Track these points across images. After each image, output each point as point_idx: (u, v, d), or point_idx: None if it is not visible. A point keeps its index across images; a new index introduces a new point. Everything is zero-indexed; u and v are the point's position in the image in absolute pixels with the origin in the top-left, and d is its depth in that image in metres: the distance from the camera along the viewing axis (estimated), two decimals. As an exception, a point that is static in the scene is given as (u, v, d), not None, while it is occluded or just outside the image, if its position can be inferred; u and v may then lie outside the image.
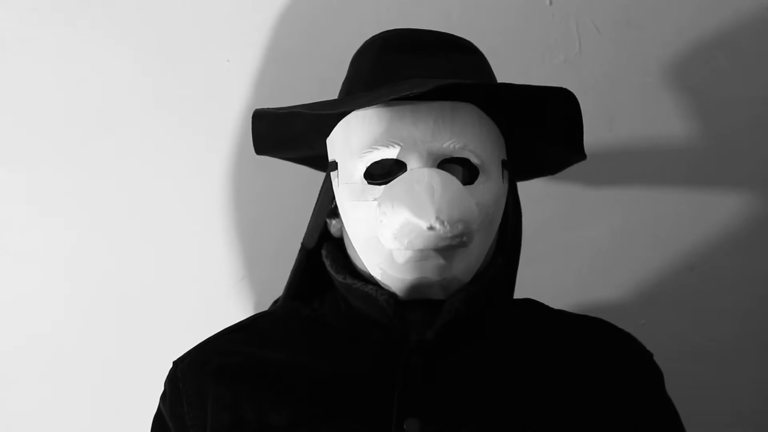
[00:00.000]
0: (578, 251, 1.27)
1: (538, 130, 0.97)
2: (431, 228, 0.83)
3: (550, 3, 1.23)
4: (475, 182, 0.89)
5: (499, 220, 0.93)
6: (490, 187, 0.90)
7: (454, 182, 0.86)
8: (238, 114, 1.21)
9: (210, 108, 1.21)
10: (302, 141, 1.02)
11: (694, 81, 1.25)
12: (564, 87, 0.89)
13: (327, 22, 1.22)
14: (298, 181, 1.15)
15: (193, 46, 1.21)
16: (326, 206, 0.97)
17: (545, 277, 1.24)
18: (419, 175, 0.86)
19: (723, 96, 1.26)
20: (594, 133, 1.22)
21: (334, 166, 0.93)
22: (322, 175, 1.04)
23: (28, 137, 1.20)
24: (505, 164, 0.93)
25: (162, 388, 0.96)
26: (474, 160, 0.89)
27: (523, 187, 1.21)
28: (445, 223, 0.83)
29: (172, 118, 1.21)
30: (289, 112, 0.94)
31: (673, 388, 0.98)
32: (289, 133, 1.01)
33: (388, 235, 0.86)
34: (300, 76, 1.21)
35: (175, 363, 0.96)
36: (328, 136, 0.96)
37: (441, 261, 0.87)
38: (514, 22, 1.23)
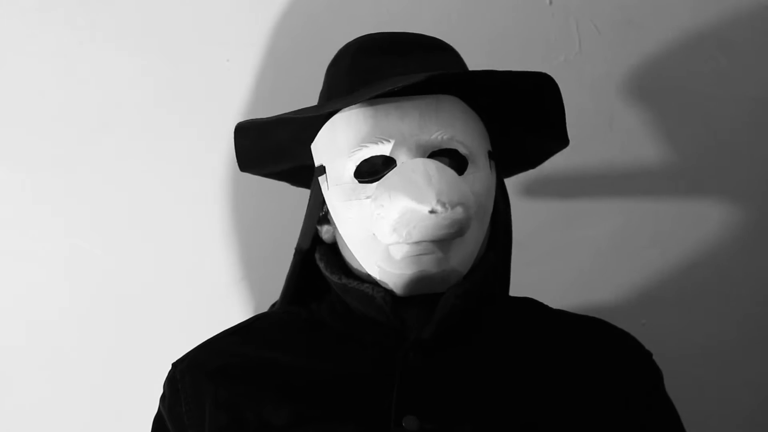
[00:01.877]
0: (578, 251, 1.27)
1: (520, 118, 0.97)
2: (433, 211, 0.83)
3: (550, 3, 1.23)
4: (465, 173, 0.90)
5: (490, 211, 0.93)
6: (480, 177, 0.90)
7: (448, 169, 0.86)
8: (237, 114, 1.21)
9: (210, 108, 1.21)
10: (284, 152, 1.02)
11: (694, 81, 1.25)
12: (542, 72, 0.89)
13: (327, 22, 1.22)
14: (298, 180, 1.15)
15: (193, 46, 1.21)
16: (316, 213, 0.96)
17: (545, 277, 1.24)
18: (414, 165, 0.86)
19: (723, 96, 1.26)
20: (594, 133, 1.22)
21: (322, 170, 0.93)
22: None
23: (28, 137, 1.20)
24: (491, 155, 0.93)
25: (161, 390, 0.97)
26: (462, 150, 0.90)
27: (522, 186, 1.21)
28: (447, 206, 0.83)
29: (172, 118, 1.21)
30: (272, 121, 0.93)
31: (672, 387, 0.98)
32: (272, 145, 1.00)
33: (386, 228, 0.86)
34: (300, 76, 1.21)
35: (174, 364, 0.96)
36: (309, 144, 0.96)
37: (439, 254, 0.87)
38: (514, 22, 1.23)
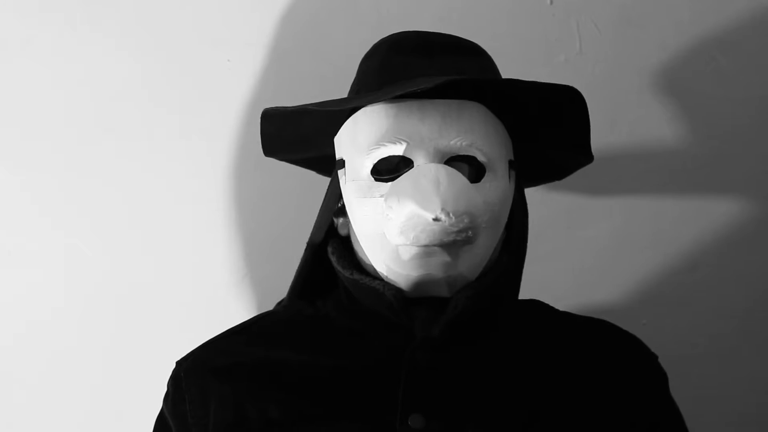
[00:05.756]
0: (579, 251, 1.27)
1: (545, 130, 0.97)
2: (437, 219, 0.83)
3: (551, 3, 1.23)
4: (482, 180, 0.89)
5: (505, 219, 0.92)
6: (496, 186, 0.90)
7: (460, 177, 0.86)
8: (238, 114, 1.21)
9: (210, 108, 1.21)
10: (310, 142, 1.02)
11: (694, 81, 1.25)
12: (572, 86, 0.89)
13: (327, 22, 1.22)
14: (300, 179, 1.16)
15: (193, 46, 1.21)
16: (333, 204, 0.97)
17: (546, 277, 1.23)
18: (425, 170, 0.86)
19: (723, 96, 1.26)
20: (595, 133, 1.21)
21: (342, 163, 0.93)
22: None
23: (27, 137, 1.20)
24: (512, 164, 0.93)
25: (165, 389, 0.97)
26: (481, 158, 0.89)
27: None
28: (451, 215, 0.84)
29: (173, 118, 1.21)
30: (298, 111, 0.94)
31: (673, 387, 0.98)
32: (297, 134, 1.01)
33: (394, 230, 0.86)
34: (300, 76, 1.21)
35: (178, 363, 0.97)
36: (334, 135, 0.96)
37: (446, 258, 0.87)
38: (514, 22, 1.23)
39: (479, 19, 1.22)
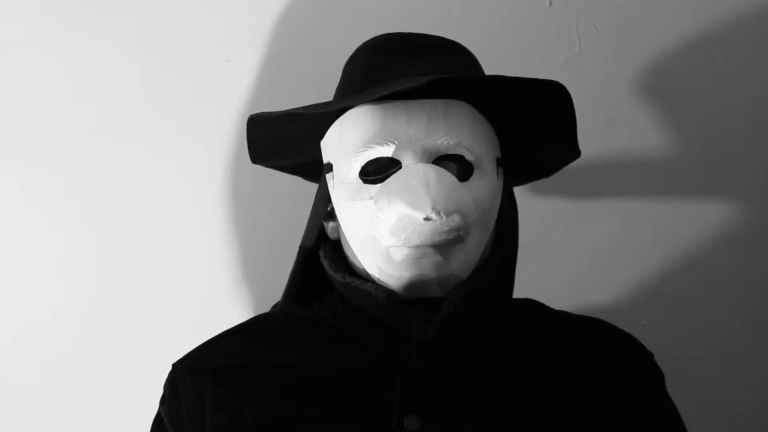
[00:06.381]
0: (578, 252, 1.27)
1: (532, 127, 0.97)
2: (427, 219, 0.83)
3: (550, 3, 1.23)
4: (470, 179, 0.90)
5: (495, 217, 0.93)
6: (485, 184, 0.90)
7: (449, 176, 0.86)
8: (237, 114, 1.21)
9: (210, 109, 1.21)
10: (297, 147, 1.02)
11: (694, 81, 1.25)
12: (556, 80, 0.89)
13: (327, 22, 1.22)
14: (299, 180, 1.15)
15: (193, 47, 1.21)
16: (322, 209, 0.97)
17: (545, 278, 1.23)
18: (414, 170, 0.86)
19: (722, 96, 1.26)
20: (594, 134, 1.22)
21: (329, 167, 0.93)
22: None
23: (26, 138, 1.20)
24: (499, 162, 0.93)
25: (161, 391, 0.97)
26: (468, 156, 0.89)
27: (523, 187, 1.21)
28: (441, 214, 0.84)
29: (172, 119, 1.21)
30: (284, 115, 0.94)
31: (673, 388, 0.98)
32: (284, 139, 1.01)
33: (385, 231, 0.86)
34: (300, 76, 1.21)
35: (174, 365, 0.97)
36: (321, 139, 0.96)
37: (438, 258, 0.87)
38: (514, 22, 1.23)
39: (479, 19, 1.22)
